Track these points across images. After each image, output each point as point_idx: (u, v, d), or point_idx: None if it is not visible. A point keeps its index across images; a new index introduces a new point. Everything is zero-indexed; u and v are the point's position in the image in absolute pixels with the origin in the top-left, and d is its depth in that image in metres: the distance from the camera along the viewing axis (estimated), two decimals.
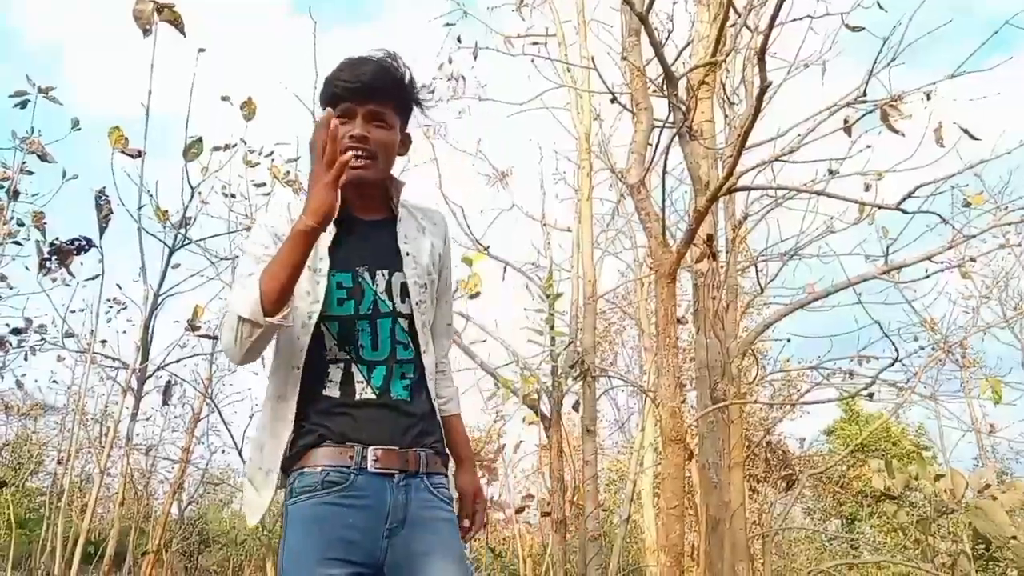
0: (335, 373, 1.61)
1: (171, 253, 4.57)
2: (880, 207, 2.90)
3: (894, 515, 4.43)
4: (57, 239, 5.03)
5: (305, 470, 1.56)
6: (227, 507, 15.00)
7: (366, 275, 1.65)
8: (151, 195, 4.15)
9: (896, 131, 3.02)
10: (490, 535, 10.17)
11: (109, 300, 5.80)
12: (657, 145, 3.22)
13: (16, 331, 5.67)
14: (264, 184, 5.09)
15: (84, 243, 5.06)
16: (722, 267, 3.57)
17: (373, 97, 1.63)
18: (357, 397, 1.60)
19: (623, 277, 8.23)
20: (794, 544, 9.07)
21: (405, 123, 1.75)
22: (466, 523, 1.80)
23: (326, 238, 1.64)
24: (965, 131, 2.84)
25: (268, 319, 1.49)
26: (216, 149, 4.88)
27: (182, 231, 4.56)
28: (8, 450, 13.51)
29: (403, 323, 1.65)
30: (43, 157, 5.55)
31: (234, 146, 4.89)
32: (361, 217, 1.73)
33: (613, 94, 3.58)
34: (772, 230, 5.07)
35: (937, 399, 6.68)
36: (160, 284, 4.58)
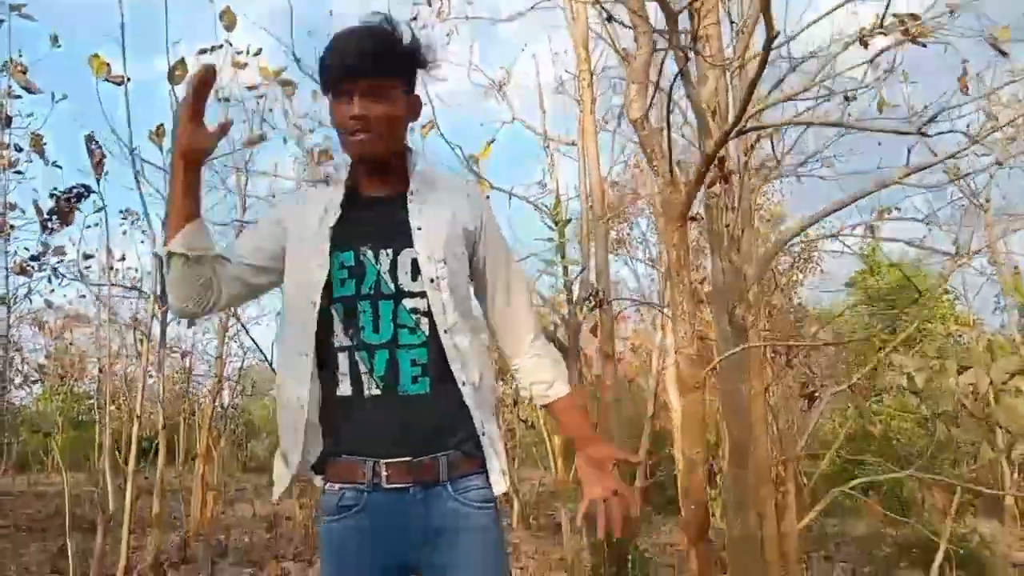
0: (343, 363, 1.55)
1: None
2: (904, 133, 2.71)
3: (917, 408, 4.46)
4: (55, 189, 4.96)
5: (327, 487, 1.56)
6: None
7: (369, 253, 1.55)
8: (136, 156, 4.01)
9: (917, 42, 2.76)
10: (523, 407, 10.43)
11: (123, 211, 5.79)
12: (659, 77, 2.98)
13: (34, 258, 5.72)
14: (256, 87, 4.94)
15: (83, 190, 5.02)
16: (735, 190, 3.42)
17: (364, 73, 1.52)
18: (365, 394, 1.52)
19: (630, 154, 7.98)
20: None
21: (410, 87, 1.63)
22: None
23: (330, 217, 1.58)
24: (996, 48, 2.58)
25: (165, 247, 1.54)
26: (202, 52, 4.72)
27: None
28: (51, 361, 13.97)
29: (411, 303, 1.54)
30: (29, 89, 5.40)
31: (220, 47, 4.72)
32: (369, 194, 1.64)
33: (609, 14, 3.29)
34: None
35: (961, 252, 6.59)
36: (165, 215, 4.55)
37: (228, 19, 4.63)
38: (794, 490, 3.35)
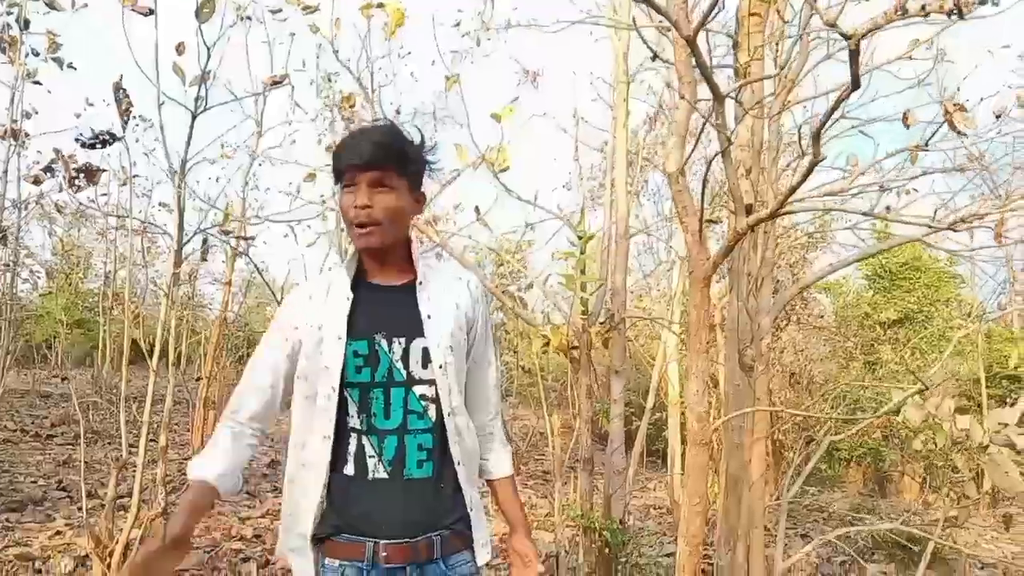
0: (352, 444, 1.66)
1: (193, 119, 4.52)
2: (934, 228, 2.73)
3: (911, 440, 4.57)
4: (80, 134, 4.95)
5: (326, 562, 1.66)
6: (268, 307, 15.59)
7: (383, 342, 1.66)
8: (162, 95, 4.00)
9: (961, 133, 2.74)
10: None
11: (136, 116, 5.79)
12: (698, 140, 2.96)
13: (48, 169, 5.74)
14: (280, 10, 4.90)
15: (108, 137, 5.02)
16: (760, 239, 3.44)
17: (372, 165, 1.63)
18: (370, 476, 1.64)
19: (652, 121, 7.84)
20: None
21: (416, 183, 1.74)
22: None
23: (344, 307, 1.68)
24: None
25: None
26: None
27: (203, 86, 4.45)
28: (59, 257, 14.03)
29: (421, 390, 1.66)
30: (51, 4, 5.33)
31: None
32: (379, 283, 1.75)
33: (654, 52, 3.22)
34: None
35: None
36: (185, 151, 4.58)
37: None
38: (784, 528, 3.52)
